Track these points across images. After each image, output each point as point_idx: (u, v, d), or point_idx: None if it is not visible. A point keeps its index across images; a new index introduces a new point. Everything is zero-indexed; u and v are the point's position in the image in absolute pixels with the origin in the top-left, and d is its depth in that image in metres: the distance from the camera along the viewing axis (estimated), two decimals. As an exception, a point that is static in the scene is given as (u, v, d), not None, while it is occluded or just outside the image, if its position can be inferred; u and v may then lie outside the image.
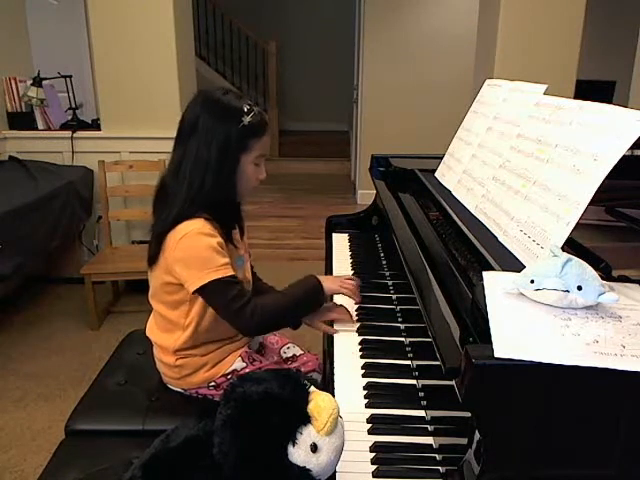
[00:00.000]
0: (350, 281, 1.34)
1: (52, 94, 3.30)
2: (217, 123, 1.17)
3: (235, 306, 1.17)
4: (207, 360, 1.29)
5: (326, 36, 7.52)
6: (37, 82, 3.12)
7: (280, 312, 1.26)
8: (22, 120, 3.18)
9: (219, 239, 1.19)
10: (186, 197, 1.18)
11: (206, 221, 1.18)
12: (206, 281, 1.15)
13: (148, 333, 1.36)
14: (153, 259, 1.24)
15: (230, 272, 1.17)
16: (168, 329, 1.29)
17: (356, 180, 5.63)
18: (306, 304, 1.30)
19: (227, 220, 1.26)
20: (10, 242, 2.30)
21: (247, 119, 1.18)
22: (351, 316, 1.33)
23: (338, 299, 1.44)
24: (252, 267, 1.47)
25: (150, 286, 1.30)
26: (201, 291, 1.17)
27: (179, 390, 1.34)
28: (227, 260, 1.18)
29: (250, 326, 1.21)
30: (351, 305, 1.39)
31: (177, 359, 1.29)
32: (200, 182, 1.18)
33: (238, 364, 1.32)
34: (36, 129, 3.20)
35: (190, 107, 1.21)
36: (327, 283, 1.30)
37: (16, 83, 3.15)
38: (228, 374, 1.30)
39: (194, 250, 1.16)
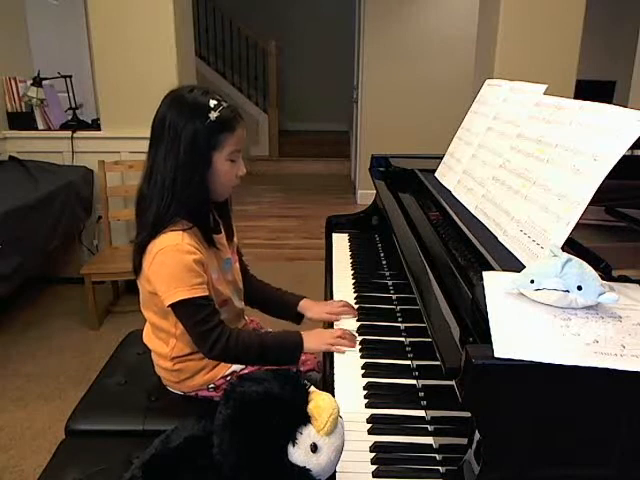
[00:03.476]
0: (337, 333, 1.23)
1: (52, 94, 3.30)
2: (183, 122, 1.13)
3: (200, 329, 1.17)
4: (205, 363, 1.28)
5: (326, 36, 7.52)
6: (37, 82, 3.12)
7: (246, 353, 1.22)
8: (22, 120, 3.18)
9: (197, 255, 1.16)
10: (160, 202, 1.15)
11: (185, 233, 1.15)
12: (176, 299, 1.14)
13: (145, 340, 1.36)
14: (137, 269, 1.23)
15: (202, 293, 1.15)
16: (162, 338, 1.29)
17: (356, 180, 5.63)
18: (277, 357, 1.23)
19: (207, 224, 1.23)
20: (10, 242, 2.30)
21: (214, 114, 1.13)
22: (353, 308, 1.34)
23: (338, 295, 1.44)
24: (247, 265, 1.47)
25: (140, 295, 1.29)
26: (172, 307, 1.16)
27: (179, 393, 1.34)
28: (202, 280, 1.16)
29: (209, 353, 1.19)
30: (351, 301, 1.40)
31: (175, 364, 1.28)
32: (172, 185, 1.14)
33: (237, 365, 1.31)
34: (36, 129, 3.20)
35: (159, 108, 1.18)
36: (309, 343, 1.22)
37: (16, 83, 3.15)
38: (227, 376, 1.30)
39: (169, 267, 1.14)
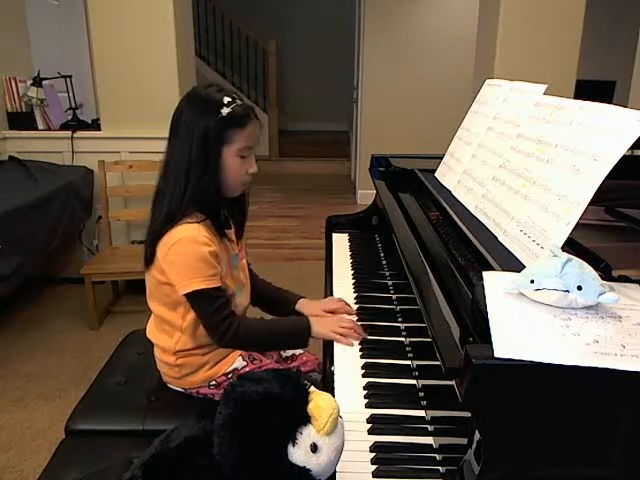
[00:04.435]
0: (347, 323, 1.26)
1: (52, 94, 3.30)
2: (196, 117, 1.16)
3: (213, 319, 1.20)
4: (208, 359, 1.30)
5: (326, 36, 7.52)
6: (37, 82, 3.12)
7: (256, 339, 1.28)
8: (22, 120, 3.18)
9: (212, 247, 1.18)
10: (173, 195, 1.18)
11: (201, 225, 1.18)
12: (192, 289, 1.16)
13: (148, 335, 1.36)
14: (149, 260, 1.24)
15: (215, 284, 1.18)
16: (167, 331, 1.29)
17: (356, 180, 5.63)
18: (286, 341, 1.33)
19: (219, 217, 1.25)
20: (10, 242, 2.30)
21: (226, 110, 1.16)
22: (349, 305, 1.34)
23: (337, 293, 1.44)
24: (249, 264, 1.47)
25: (147, 287, 1.30)
26: (187, 297, 1.19)
27: (179, 390, 1.34)
28: (216, 271, 1.19)
29: (219, 341, 1.24)
30: (351, 300, 1.40)
31: (177, 359, 1.29)
32: (186, 179, 1.17)
33: (238, 363, 1.32)
34: (36, 129, 3.20)
35: (178, 105, 1.21)
36: (317, 327, 1.27)
37: (16, 83, 3.16)
38: (229, 373, 1.31)
39: (185, 257, 1.16)
